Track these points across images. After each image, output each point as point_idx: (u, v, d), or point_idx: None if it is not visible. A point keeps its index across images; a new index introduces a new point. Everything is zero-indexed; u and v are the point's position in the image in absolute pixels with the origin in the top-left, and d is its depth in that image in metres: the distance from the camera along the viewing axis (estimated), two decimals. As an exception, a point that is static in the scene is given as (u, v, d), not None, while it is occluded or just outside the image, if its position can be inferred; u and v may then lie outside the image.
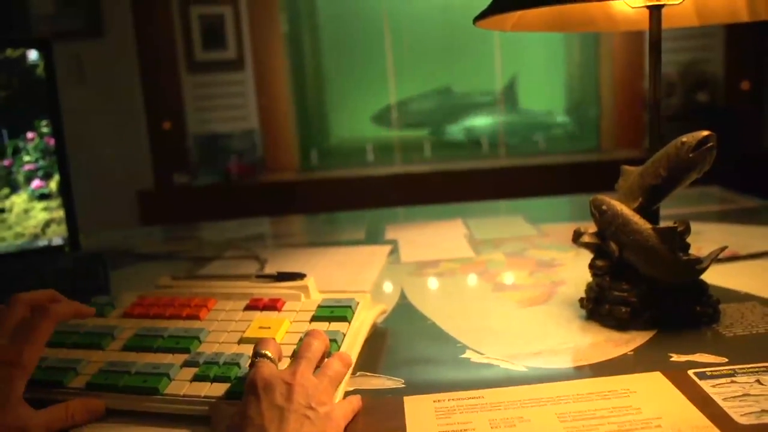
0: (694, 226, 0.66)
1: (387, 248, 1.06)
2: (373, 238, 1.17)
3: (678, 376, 0.54)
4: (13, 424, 0.47)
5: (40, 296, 0.54)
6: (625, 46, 2.87)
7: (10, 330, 0.50)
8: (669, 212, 0.68)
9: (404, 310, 0.76)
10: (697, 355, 0.58)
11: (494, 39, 2.94)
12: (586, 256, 0.71)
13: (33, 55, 0.88)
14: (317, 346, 0.53)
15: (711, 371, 0.54)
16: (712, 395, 0.50)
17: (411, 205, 1.63)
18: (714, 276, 0.73)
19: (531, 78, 3.03)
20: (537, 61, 3.04)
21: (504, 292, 0.81)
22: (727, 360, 0.56)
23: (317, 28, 3.10)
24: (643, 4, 0.67)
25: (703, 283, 0.66)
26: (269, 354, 0.51)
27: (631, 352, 0.60)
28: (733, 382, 0.52)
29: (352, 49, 3.08)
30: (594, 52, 2.99)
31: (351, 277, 0.91)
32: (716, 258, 0.65)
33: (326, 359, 0.54)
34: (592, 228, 0.69)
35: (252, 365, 0.50)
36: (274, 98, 2.96)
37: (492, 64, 2.99)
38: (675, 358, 0.58)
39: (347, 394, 0.54)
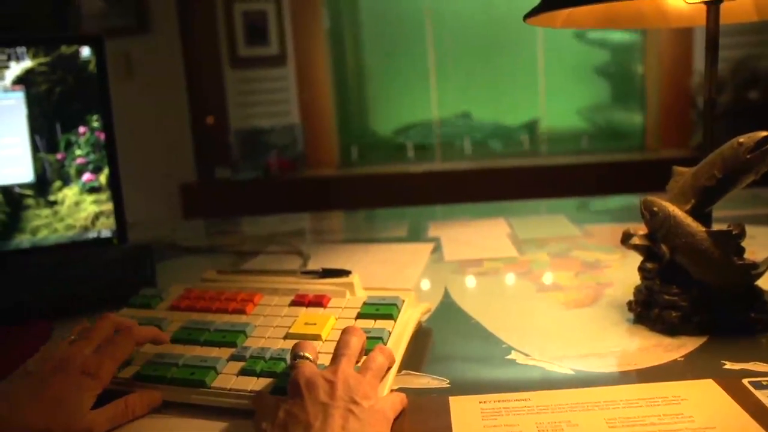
0: (747, 230, 0.64)
1: (430, 246, 1.05)
2: (416, 235, 1.16)
3: (732, 385, 0.52)
4: (80, 428, 0.49)
5: (125, 320, 0.58)
6: (673, 42, 2.80)
7: (96, 343, 0.54)
8: (718, 214, 0.66)
9: (448, 309, 0.76)
10: (752, 363, 0.56)
11: (537, 34, 2.90)
12: (633, 258, 0.69)
13: (85, 51, 0.90)
14: (355, 343, 0.53)
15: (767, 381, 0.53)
16: (769, 405, 0.49)
17: (451, 203, 1.62)
18: (769, 281, 0.71)
19: (570, 75, 2.99)
20: (579, 58, 2.99)
21: (549, 292, 0.80)
22: (784, 369, 0.54)
23: (359, 24, 3.11)
24: (701, 0, 0.65)
25: (759, 289, 0.64)
26: (308, 355, 0.52)
27: (682, 358, 0.58)
28: (791, 392, 0.50)
29: (394, 45, 3.08)
30: (640, 48, 2.93)
31: (394, 275, 0.91)
32: (773, 263, 0.62)
33: (367, 354, 0.54)
34: (641, 229, 0.68)
35: (292, 367, 0.51)
36: (316, 94, 2.98)
37: (535, 61, 2.95)
38: (728, 365, 0.56)
39: (392, 392, 0.54)
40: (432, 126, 3.03)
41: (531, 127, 3.01)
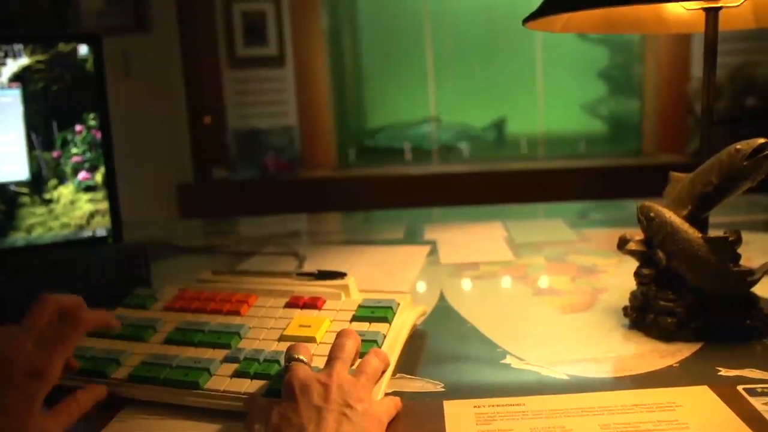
0: (743, 236, 0.64)
1: (426, 249, 1.05)
2: (412, 238, 1.16)
3: (727, 392, 0.52)
4: None
5: (69, 301, 0.51)
6: (671, 47, 2.80)
7: (38, 333, 0.48)
8: (715, 220, 0.66)
9: (444, 312, 0.76)
10: (747, 370, 0.56)
11: (536, 37, 2.90)
12: (629, 263, 0.69)
13: (83, 49, 0.90)
14: (350, 346, 0.53)
15: (762, 388, 0.52)
16: (763, 413, 0.48)
17: (448, 206, 1.62)
18: (765, 289, 0.70)
19: (569, 78, 2.99)
20: (577, 61, 2.99)
21: (545, 297, 0.79)
22: (779, 376, 0.54)
23: (358, 26, 3.11)
24: (700, 7, 0.65)
25: (754, 296, 0.64)
26: (302, 358, 0.51)
27: (677, 365, 0.58)
28: (786, 400, 0.50)
29: (392, 47, 3.08)
30: (639, 54, 2.94)
31: (390, 277, 0.90)
32: (769, 270, 0.62)
33: (362, 357, 0.54)
34: (638, 235, 0.67)
35: (287, 369, 0.50)
36: (314, 95, 2.98)
37: (533, 64, 2.95)
38: (723, 372, 0.56)
39: (386, 395, 0.54)
40: (398, 129, 3.04)
41: (498, 127, 3.01)
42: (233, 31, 2.89)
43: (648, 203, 0.66)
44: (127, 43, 2.83)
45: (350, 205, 2.52)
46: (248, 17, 2.88)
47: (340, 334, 0.55)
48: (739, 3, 0.64)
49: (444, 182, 2.71)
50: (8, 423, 0.44)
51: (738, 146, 0.60)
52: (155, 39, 2.88)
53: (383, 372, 0.54)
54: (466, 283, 0.87)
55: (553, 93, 2.98)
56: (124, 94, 2.75)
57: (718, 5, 0.64)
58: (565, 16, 0.74)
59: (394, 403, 0.51)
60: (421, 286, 0.87)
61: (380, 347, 0.57)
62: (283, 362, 0.54)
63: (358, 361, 0.54)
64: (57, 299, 0.50)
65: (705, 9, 0.65)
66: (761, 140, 0.59)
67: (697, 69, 2.71)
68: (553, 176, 2.67)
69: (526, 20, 0.69)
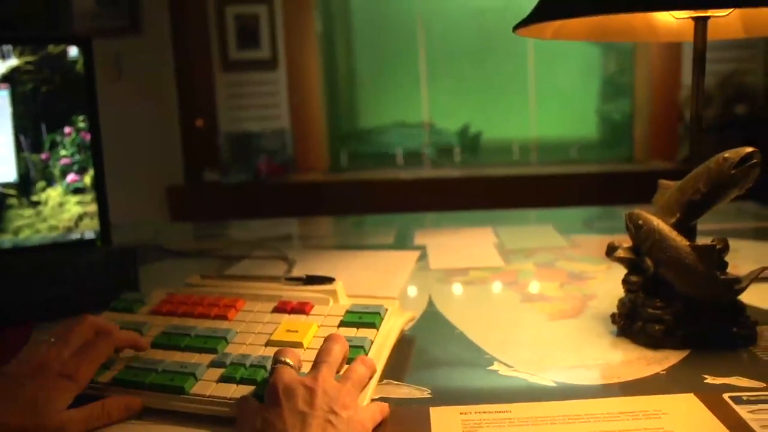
0: (731, 243, 0.64)
1: (416, 254, 1.05)
2: (402, 243, 1.16)
3: (712, 400, 0.52)
4: (53, 426, 0.48)
5: (105, 322, 0.57)
6: (663, 55, 2.82)
7: (75, 345, 0.53)
8: (703, 227, 0.66)
9: (432, 317, 0.76)
10: (733, 378, 0.56)
11: (528, 42, 2.92)
12: (618, 269, 0.69)
13: (73, 51, 0.89)
14: (337, 351, 0.53)
15: (747, 396, 0.53)
16: (748, 421, 0.49)
17: (440, 210, 1.62)
18: (752, 296, 0.71)
19: (563, 84, 3.00)
20: (571, 68, 3.01)
21: (534, 303, 0.80)
22: (765, 385, 0.54)
23: (351, 29, 3.11)
24: (689, 16, 0.65)
25: (741, 303, 0.65)
26: (289, 361, 0.51)
27: (664, 372, 0.58)
28: (771, 408, 0.50)
29: (385, 51, 3.08)
30: (630, 60, 2.95)
31: (379, 282, 0.90)
32: (756, 278, 0.63)
33: (349, 363, 0.54)
34: (626, 242, 0.68)
35: (272, 372, 0.50)
36: (306, 98, 2.98)
37: (525, 69, 2.96)
38: (709, 380, 0.56)
39: (373, 402, 0.53)
40: (371, 134, 3.05)
41: (464, 133, 3.02)
42: (226, 33, 2.88)
43: (636, 211, 0.66)
44: (119, 45, 2.82)
45: (342, 208, 2.52)
46: (241, 20, 2.88)
47: (328, 339, 0.55)
48: (726, 13, 0.64)
49: (436, 187, 2.72)
50: (37, 411, 0.48)
51: (726, 155, 0.60)
52: (148, 41, 2.87)
53: (370, 379, 0.54)
54: (455, 289, 0.87)
55: (545, 98, 2.99)
56: (115, 95, 2.74)
57: (707, 15, 0.64)
58: (556, 24, 0.74)
59: (380, 409, 0.51)
60: (410, 292, 0.86)
61: (367, 353, 0.57)
62: (270, 366, 0.54)
63: (345, 367, 0.54)
64: (95, 320, 0.56)
65: (694, 18, 0.65)
66: (749, 149, 0.59)
67: (687, 77, 2.73)
68: (544, 182, 2.68)
69: (516, 27, 0.69)
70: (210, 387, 0.54)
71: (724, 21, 0.74)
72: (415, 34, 2.98)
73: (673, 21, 0.73)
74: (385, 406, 0.52)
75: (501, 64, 3.00)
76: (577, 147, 2.99)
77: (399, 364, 0.62)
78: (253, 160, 2.82)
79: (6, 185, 0.87)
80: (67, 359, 0.52)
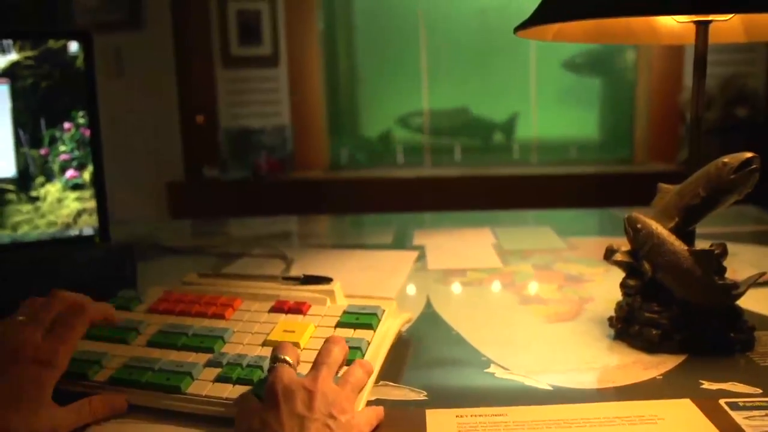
0: (729, 248, 0.64)
1: (414, 254, 1.05)
2: (401, 242, 1.16)
3: (709, 405, 0.52)
4: (45, 426, 0.47)
5: (76, 297, 0.54)
6: (663, 57, 2.82)
7: (47, 323, 0.51)
8: (702, 231, 0.66)
9: (429, 318, 0.76)
10: (730, 383, 0.56)
11: (530, 42, 2.91)
12: (616, 272, 0.69)
13: (73, 47, 0.89)
14: (337, 353, 0.53)
15: (744, 402, 0.53)
16: (744, 428, 0.49)
17: (439, 210, 1.62)
18: (750, 301, 0.71)
19: (563, 86, 3.00)
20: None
21: (531, 305, 0.79)
22: (761, 391, 0.54)
23: (352, 26, 3.11)
24: (690, 20, 0.65)
25: (738, 309, 0.65)
26: (288, 359, 0.51)
27: (660, 377, 0.58)
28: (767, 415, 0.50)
29: (387, 48, 3.07)
30: (632, 63, 2.95)
31: (377, 282, 0.90)
32: (754, 283, 0.63)
33: (348, 366, 0.53)
34: (624, 245, 0.68)
35: (271, 370, 0.50)
36: (307, 95, 2.97)
37: (527, 68, 2.96)
38: (706, 385, 0.56)
39: (369, 404, 0.53)
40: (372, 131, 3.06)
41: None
42: (227, 29, 2.87)
43: (635, 214, 0.66)
44: (120, 39, 2.82)
45: (341, 206, 2.52)
46: (243, 16, 2.87)
47: (328, 340, 0.54)
48: (728, 18, 0.64)
49: (435, 186, 2.71)
50: (21, 410, 0.46)
51: (725, 160, 0.60)
52: (149, 36, 2.87)
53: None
54: (453, 290, 0.87)
55: (546, 98, 2.98)
56: (116, 91, 2.74)
57: (709, 19, 0.64)
58: (557, 26, 0.74)
59: (376, 414, 0.51)
60: (408, 292, 0.86)
61: (364, 354, 0.57)
62: (266, 366, 0.54)
63: (343, 369, 0.53)
64: (65, 294, 0.53)
65: (696, 22, 0.65)
66: (748, 154, 0.59)
67: (689, 79, 2.70)
68: (544, 182, 2.68)
69: (517, 29, 0.69)
70: (206, 387, 0.53)
71: (726, 25, 0.74)
72: (417, 32, 2.97)
73: (675, 24, 0.73)
74: (381, 409, 0.52)
75: (503, 62, 2.99)
76: (577, 147, 2.98)
77: (395, 366, 0.62)
78: (253, 156, 2.82)
79: (5, 180, 0.87)
80: (41, 343, 0.49)
